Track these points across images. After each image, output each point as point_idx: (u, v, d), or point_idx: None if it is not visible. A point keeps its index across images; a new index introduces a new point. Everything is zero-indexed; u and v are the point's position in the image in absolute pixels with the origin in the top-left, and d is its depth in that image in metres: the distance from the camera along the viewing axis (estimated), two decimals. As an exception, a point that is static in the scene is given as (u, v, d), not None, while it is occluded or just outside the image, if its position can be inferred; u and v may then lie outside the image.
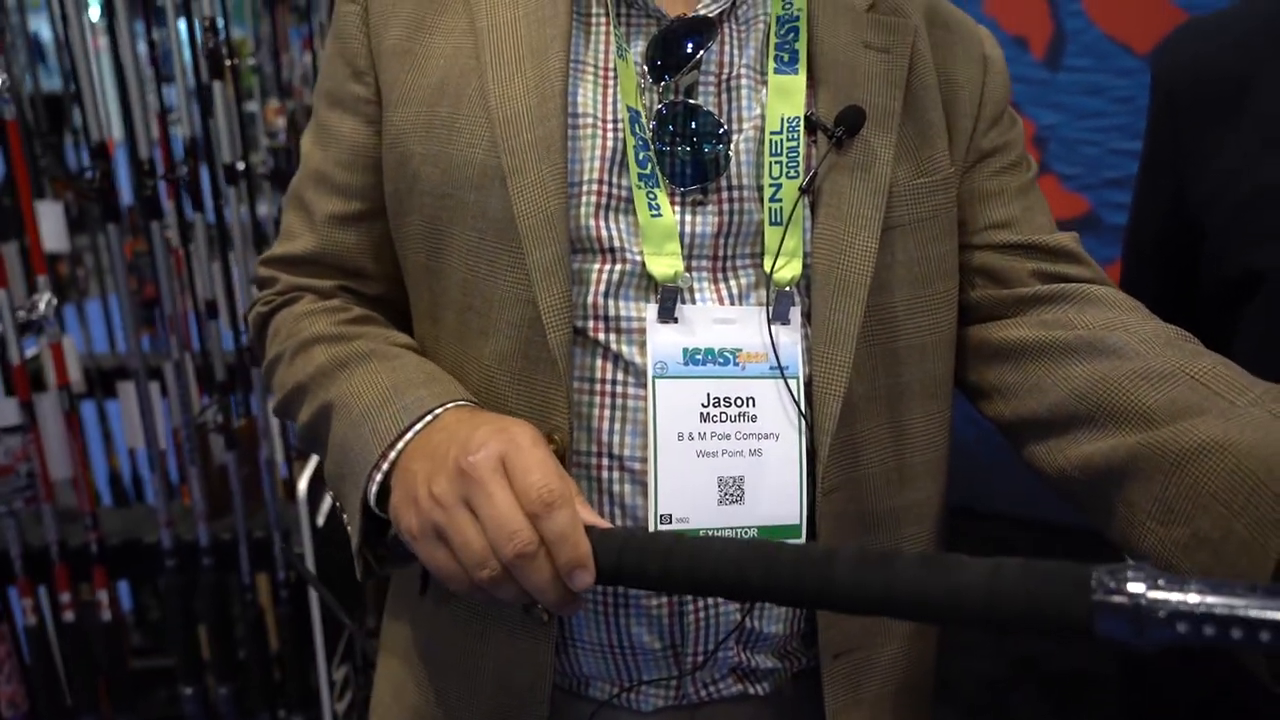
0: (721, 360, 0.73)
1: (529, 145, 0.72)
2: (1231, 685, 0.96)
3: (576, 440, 0.73)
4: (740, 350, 0.73)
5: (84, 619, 1.78)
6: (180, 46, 1.82)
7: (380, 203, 0.81)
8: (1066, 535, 1.90)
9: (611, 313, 0.73)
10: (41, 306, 1.67)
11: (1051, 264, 0.80)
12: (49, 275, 1.72)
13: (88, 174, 1.73)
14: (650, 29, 0.76)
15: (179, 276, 1.92)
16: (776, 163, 0.74)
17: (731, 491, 0.71)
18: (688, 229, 0.73)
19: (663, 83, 0.74)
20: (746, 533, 0.72)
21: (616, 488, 0.73)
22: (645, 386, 0.72)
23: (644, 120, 0.73)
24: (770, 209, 0.74)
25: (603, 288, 0.73)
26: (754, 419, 0.72)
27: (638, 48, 0.75)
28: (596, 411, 0.73)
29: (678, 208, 0.74)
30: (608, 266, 0.73)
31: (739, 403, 0.72)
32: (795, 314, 0.74)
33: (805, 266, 0.74)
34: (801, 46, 0.76)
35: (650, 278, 0.72)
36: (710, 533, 0.71)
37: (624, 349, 0.73)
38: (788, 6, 0.76)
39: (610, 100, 0.74)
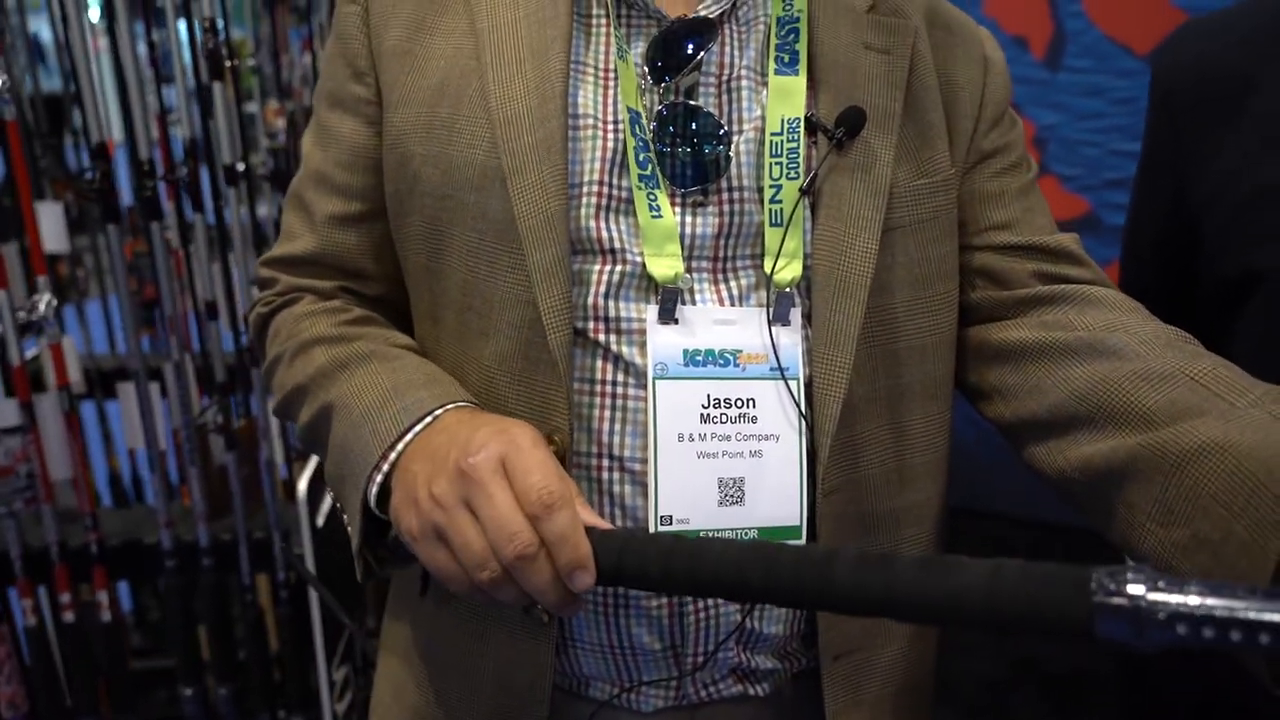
0: (722, 361, 0.73)
1: (529, 146, 0.72)
2: (1231, 685, 0.96)
3: (577, 441, 0.73)
4: (740, 351, 0.73)
5: (84, 619, 1.78)
6: (180, 47, 1.82)
7: (381, 203, 0.81)
8: (1066, 535, 1.90)
9: (612, 314, 0.73)
10: (41, 307, 1.67)
11: (1052, 265, 0.80)
12: (49, 276, 1.72)
13: (88, 175, 1.73)
14: (651, 30, 0.76)
15: (179, 277, 1.92)
16: (777, 164, 0.74)
17: (732, 493, 0.71)
18: (688, 230, 0.73)
19: (663, 84, 0.74)
20: (747, 534, 0.72)
21: (617, 488, 0.73)
22: (645, 387, 0.72)
23: (644, 121, 0.74)
24: (770, 210, 0.74)
25: (603, 289, 0.73)
26: (754, 420, 0.72)
27: (638, 49, 0.75)
28: (597, 412, 0.73)
29: (678, 209, 0.74)
30: (608, 267, 0.73)
31: (739, 404, 0.72)
32: (795, 315, 0.74)
33: (805, 268, 0.74)
34: (802, 48, 0.76)
35: (651, 279, 0.72)
36: (710, 534, 0.71)
37: (624, 350, 0.73)
38: (788, 8, 0.76)
39: (611, 101, 0.74)
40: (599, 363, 0.73)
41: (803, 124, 0.74)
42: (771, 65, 0.75)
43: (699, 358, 0.72)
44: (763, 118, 0.75)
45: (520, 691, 0.77)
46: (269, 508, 1.84)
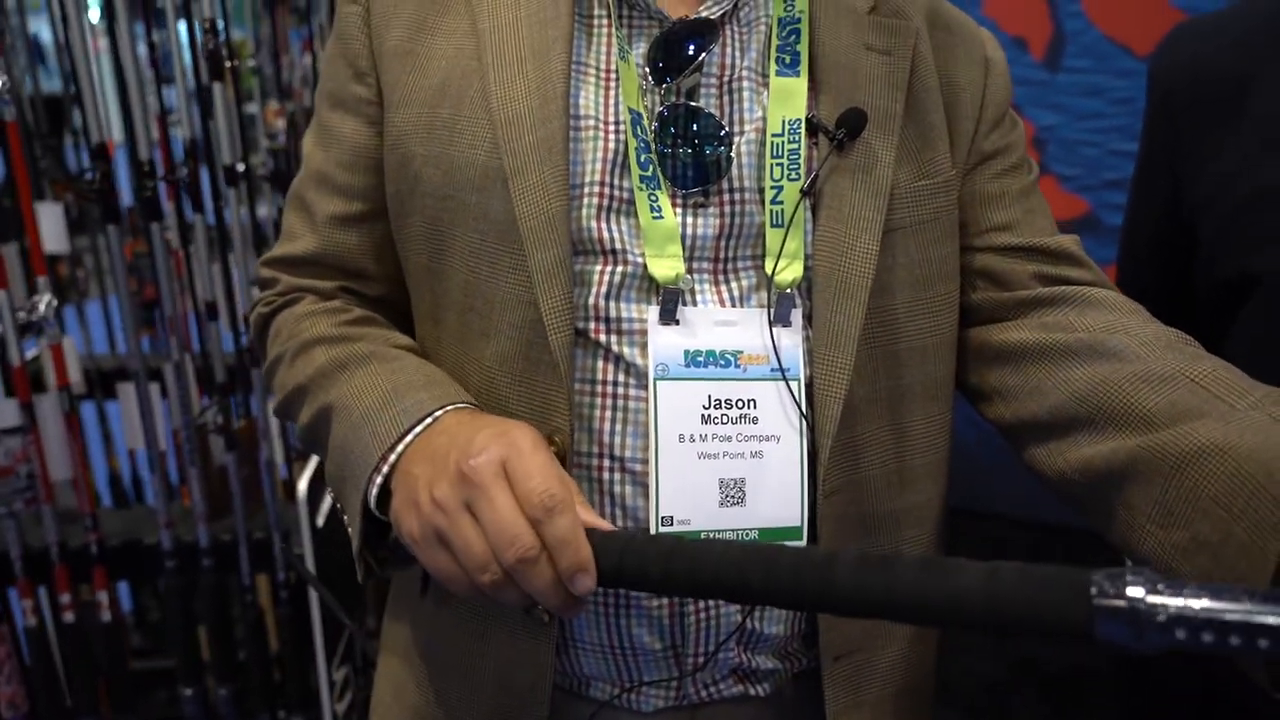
0: (723, 362, 0.73)
1: (531, 147, 0.72)
2: (1231, 686, 0.96)
3: (578, 441, 0.73)
4: (741, 352, 0.73)
5: (84, 620, 1.78)
6: (180, 48, 1.82)
7: (382, 204, 0.81)
8: (1066, 537, 1.90)
9: (613, 314, 0.73)
10: (41, 308, 1.67)
11: (1052, 267, 0.80)
12: (49, 276, 1.72)
13: (88, 175, 1.73)
14: (652, 31, 0.76)
15: (179, 278, 1.92)
16: (778, 165, 0.74)
17: (733, 493, 0.72)
18: (689, 231, 0.73)
19: (664, 85, 0.74)
20: (748, 535, 0.72)
21: (618, 489, 0.73)
22: (646, 388, 0.72)
23: (645, 122, 0.74)
24: (771, 211, 0.74)
25: (604, 289, 0.73)
26: (755, 421, 0.72)
27: (639, 49, 0.76)
28: (598, 413, 0.73)
29: (679, 210, 0.74)
30: (609, 268, 0.73)
31: (740, 404, 0.72)
32: (796, 316, 0.74)
33: (806, 269, 0.74)
34: (803, 49, 0.76)
35: (652, 280, 0.72)
36: (711, 534, 0.71)
37: (625, 351, 0.73)
38: (789, 9, 0.76)
39: (612, 102, 0.74)
40: (600, 363, 0.73)
41: (804, 125, 0.74)
42: (773, 66, 0.75)
43: (700, 358, 0.72)
44: (764, 119, 0.75)
45: (521, 691, 0.77)
46: (269, 508, 1.84)
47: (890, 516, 0.78)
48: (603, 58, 0.76)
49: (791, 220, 0.73)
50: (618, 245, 0.73)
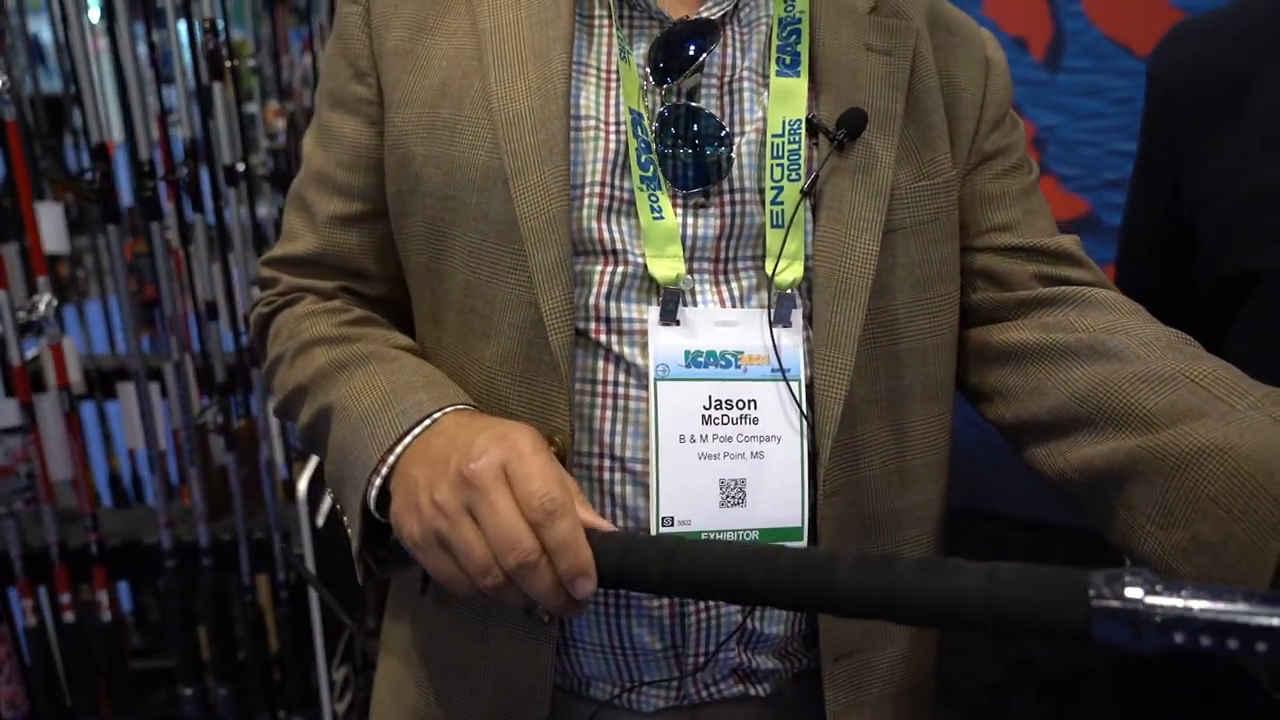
0: (723, 363, 0.73)
1: (531, 147, 0.72)
2: (1231, 686, 0.96)
3: (578, 441, 0.73)
4: (742, 353, 0.73)
5: (84, 620, 1.78)
6: (180, 48, 1.82)
7: (382, 204, 0.81)
8: (1066, 537, 1.90)
9: (613, 315, 0.73)
10: (41, 307, 1.67)
11: (1053, 267, 0.80)
12: (49, 276, 1.72)
13: (88, 175, 1.73)
14: (653, 31, 0.76)
15: (179, 277, 1.92)
16: (778, 165, 0.74)
17: (733, 494, 0.72)
18: (689, 231, 0.74)
19: (665, 85, 0.74)
20: (748, 535, 0.72)
21: (618, 489, 0.73)
22: (647, 388, 0.72)
23: (646, 122, 0.74)
24: (772, 211, 0.74)
25: (605, 290, 0.73)
26: (755, 421, 0.72)
27: (640, 50, 0.76)
28: (598, 413, 0.73)
29: (679, 210, 0.74)
30: (610, 268, 0.73)
31: (740, 405, 0.72)
32: (797, 316, 0.74)
33: (807, 269, 0.74)
34: (803, 49, 0.76)
35: (652, 280, 0.72)
36: (712, 535, 0.71)
37: (626, 351, 0.73)
38: (790, 9, 0.76)
39: (613, 102, 0.74)
40: (600, 363, 0.73)
41: (804, 125, 0.74)
42: (773, 67, 0.75)
43: (700, 359, 0.73)
44: (764, 119, 0.75)
45: (521, 691, 0.77)
46: (269, 508, 1.84)
47: (891, 517, 0.78)
48: (603, 58, 0.76)
49: (792, 221, 0.73)
50: (618, 245, 0.73)
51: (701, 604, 0.74)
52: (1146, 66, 1.05)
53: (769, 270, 0.74)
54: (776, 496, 0.72)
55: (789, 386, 0.73)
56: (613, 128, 0.74)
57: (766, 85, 0.75)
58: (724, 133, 0.74)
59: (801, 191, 0.74)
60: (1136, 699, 1.18)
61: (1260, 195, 0.91)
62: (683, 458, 0.71)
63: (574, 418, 0.72)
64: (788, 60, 0.75)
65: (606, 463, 0.73)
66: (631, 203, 0.73)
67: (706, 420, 0.72)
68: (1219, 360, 0.70)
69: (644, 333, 0.73)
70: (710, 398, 0.72)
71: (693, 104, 0.74)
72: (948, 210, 0.79)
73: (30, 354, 1.75)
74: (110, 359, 2.59)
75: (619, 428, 0.73)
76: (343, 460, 0.72)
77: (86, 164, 1.78)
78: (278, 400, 0.83)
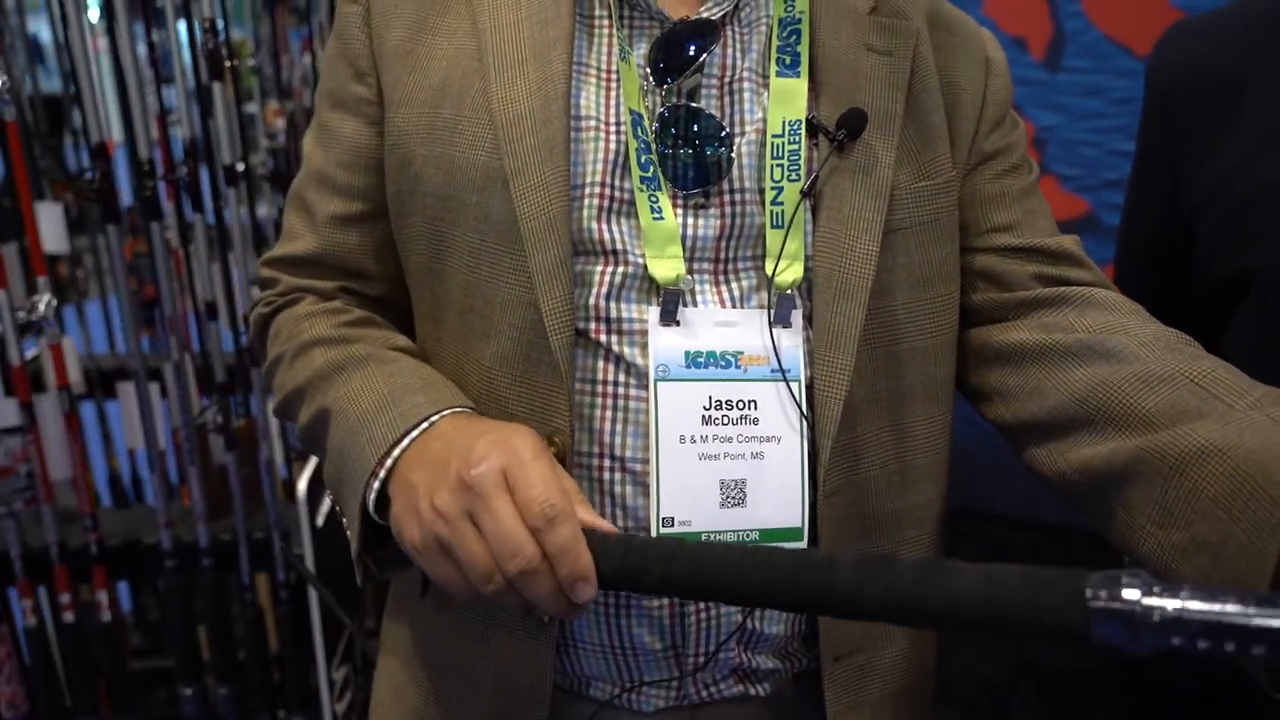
0: (723, 363, 0.73)
1: (532, 148, 0.72)
2: (1230, 686, 0.96)
3: (578, 441, 0.73)
4: (742, 353, 0.73)
5: (84, 620, 1.78)
6: (180, 48, 1.82)
7: (382, 204, 0.81)
8: (1066, 537, 1.90)
9: (613, 315, 0.73)
10: (41, 307, 1.67)
11: (1053, 267, 0.80)
12: (49, 276, 1.72)
13: (87, 175, 1.73)
14: (653, 31, 0.76)
15: (179, 277, 1.92)
16: (778, 166, 0.74)
17: (733, 494, 0.72)
18: (689, 232, 0.74)
19: (665, 85, 0.74)
20: (748, 535, 0.72)
21: (618, 489, 0.73)
22: (647, 389, 0.72)
23: (646, 123, 0.74)
24: (772, 212, 0.74)
25: (605, 290, 0.73)
26: (755, 422, 0.72)
27: (640, 50, 0.76)
28: (598, 413, 0.73)
29: (679, 210, 0.74)
30: (610, 269, 0.73)
31: (740, 405, 0.72)
32: (797, 317, 0.74)
33: (806, 270, 0.74)
34: (803, 49, 0.76)
35: (652, 280, 0.72)
36: (712, 535, 0.71)
37: (626, 351, 0.73)
38: (790, 9, 0.76)
39: (613, 103, 0.74)
40: (600, 364, 0.73)
41: (804, 126, 0.74)
42: (773, 67, 0.75)
43: (700, 359, 0.73)
44: (764, 119, 0.75)
45: (520, 692, 0.77)
46: (269, 508, 1.84)
47: (891, 517, 0.79)
48: (604, 58, 0.76)
49: (792, 221, 0.73)
50: (618, 246, 0.73)
51: (701, 604, 0.74)
52: (1145, 66, 1.05)
53: (769, 271, 0.74)
54: (776, 497, 0.72)
55: (789, 387, 0.73)
56: (613, 128, 0.74)
57: (766, 85, 0.75)
58: (724, 133, 0.74)
59: (801, 192, 0.74)
60: (1135, 699, 1.18)
61: (1261, 193, 0.91)
62: (683, 458, 0.71)
63: (574, 418, 0.72)
64: (788, 60, 0.75)
65: (606, 463, 0.73)
66: (631, 203, 0.73)
67: (706, 420, 0.72)
68: (1218, 360, 0.70)
69: (644, 333, 0.73)
70: (710, 398, 0.72)
71: (693, 104, 0.74)
72: (948, 210, 0.79)
73: (30, 354, 1.75)
74: (110, 359, 2.59)
75: (619, 428, 0.73)
76: (341, 462, 0.72)
77: (86, 164, 1.78)
78: (277, 401, 0.83)
